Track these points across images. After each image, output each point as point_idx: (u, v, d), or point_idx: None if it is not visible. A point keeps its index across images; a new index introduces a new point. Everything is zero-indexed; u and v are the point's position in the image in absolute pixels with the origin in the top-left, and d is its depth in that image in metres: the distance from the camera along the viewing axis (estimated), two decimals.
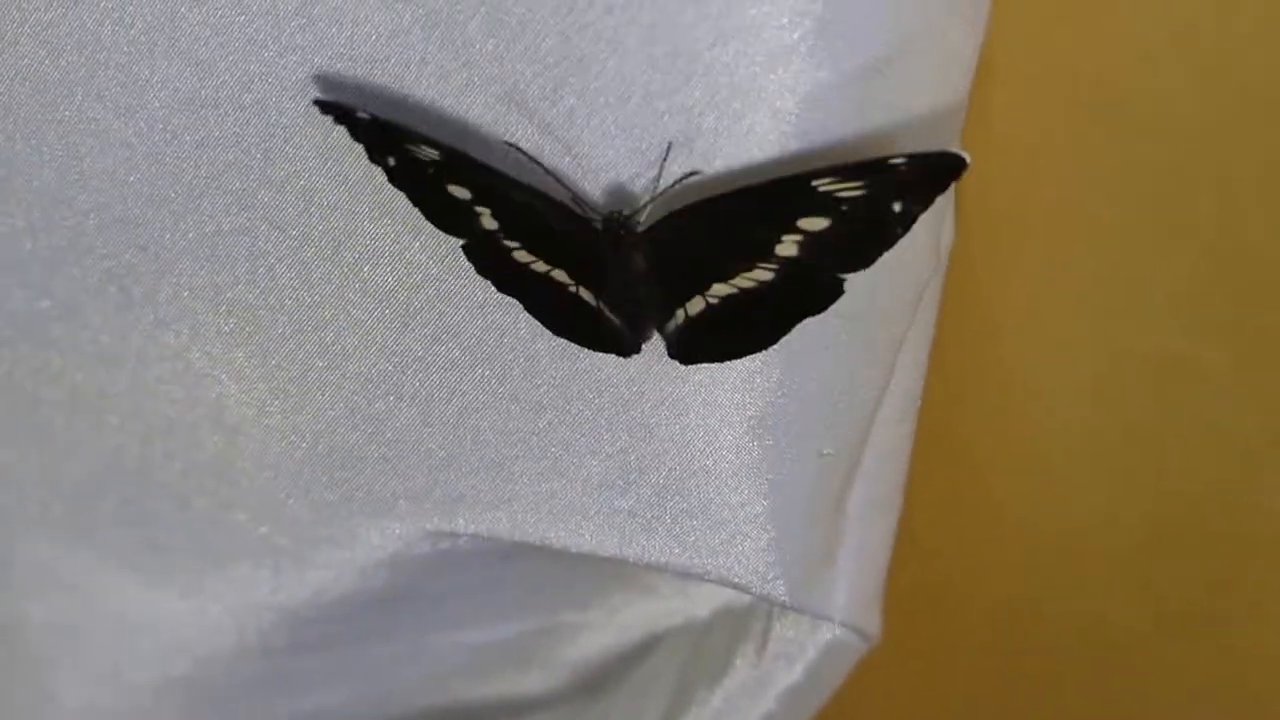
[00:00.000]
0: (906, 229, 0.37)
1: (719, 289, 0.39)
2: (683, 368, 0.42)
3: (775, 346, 0.41)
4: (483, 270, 0.41)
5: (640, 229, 0.39)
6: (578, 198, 0.40)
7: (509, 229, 0.40)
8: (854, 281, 0.40)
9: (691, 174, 0.39)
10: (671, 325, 0.41)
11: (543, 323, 0.42)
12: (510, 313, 0.42)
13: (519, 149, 0.40)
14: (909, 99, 0.41)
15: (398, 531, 0.48)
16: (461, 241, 0.40)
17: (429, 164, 0.38)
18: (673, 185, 0.39)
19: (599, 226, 0.39)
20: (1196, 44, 0.44)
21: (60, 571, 0.51)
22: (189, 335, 0.45)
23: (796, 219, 0.38)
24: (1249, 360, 0.47)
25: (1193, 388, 0.49)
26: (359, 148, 0.40)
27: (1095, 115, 0.47)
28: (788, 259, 0.38)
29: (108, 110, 0.41)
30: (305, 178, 0.42)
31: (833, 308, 0.41)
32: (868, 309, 0.43)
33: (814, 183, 0.37)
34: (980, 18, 0.43)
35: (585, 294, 0.40)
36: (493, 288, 0.41)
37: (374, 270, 0.43)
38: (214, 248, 0.43)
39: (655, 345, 0.42)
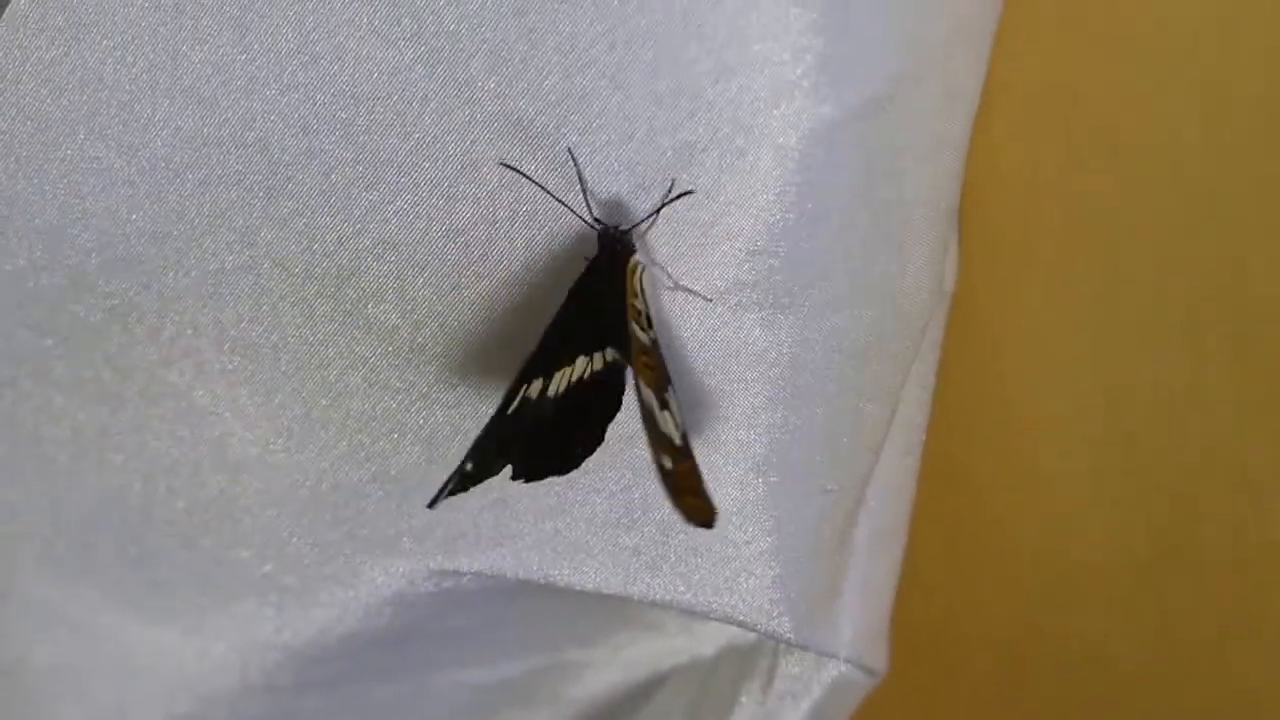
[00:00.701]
0: None
1: None
2: (688, 408, 0.42)
3: (780, 383, 0.42)
4: (514, 455, 0.40)
5: (635, 243, 0.39)
6: (576, 213, 0.39)
7: (550, 370, 0.39)
8: (858, 319, 0.40)
9: (687, 192, 0.39)
10: None
11: (547, 472, 0.41)
12: (515, 351, 0.42)
13: (517, 169, 0.39)
14: (912, 132, 0.41)
15: (401, 570, 0.47)
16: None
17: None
18: (666, 203, 0.39)
19: (597, 246, 0.39)
20: (1199, 69, 0.44)
21: (62, 610, 0.50)
22: (192, 374, 0.45)
23: None
24: (1253, 389, 0.46)
25: (1197, 416, 0.48)
26: (362, 186, 0.40)
27: (1098, 143, 0.46)
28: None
29: (110, 149, 0.41)
30: (308, 215, 0.42)
31: (837, 344, 0.41)
32: (872, 345, 0.43)
33: None
34: (984, 50, 0.43)
35: (597, 359, 0.40)
36: (497, 326, 0.42)
37: (377, 307, 0.43)
38: (217, 286, 0.43)
39: None
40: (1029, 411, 0.52)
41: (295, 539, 0.47)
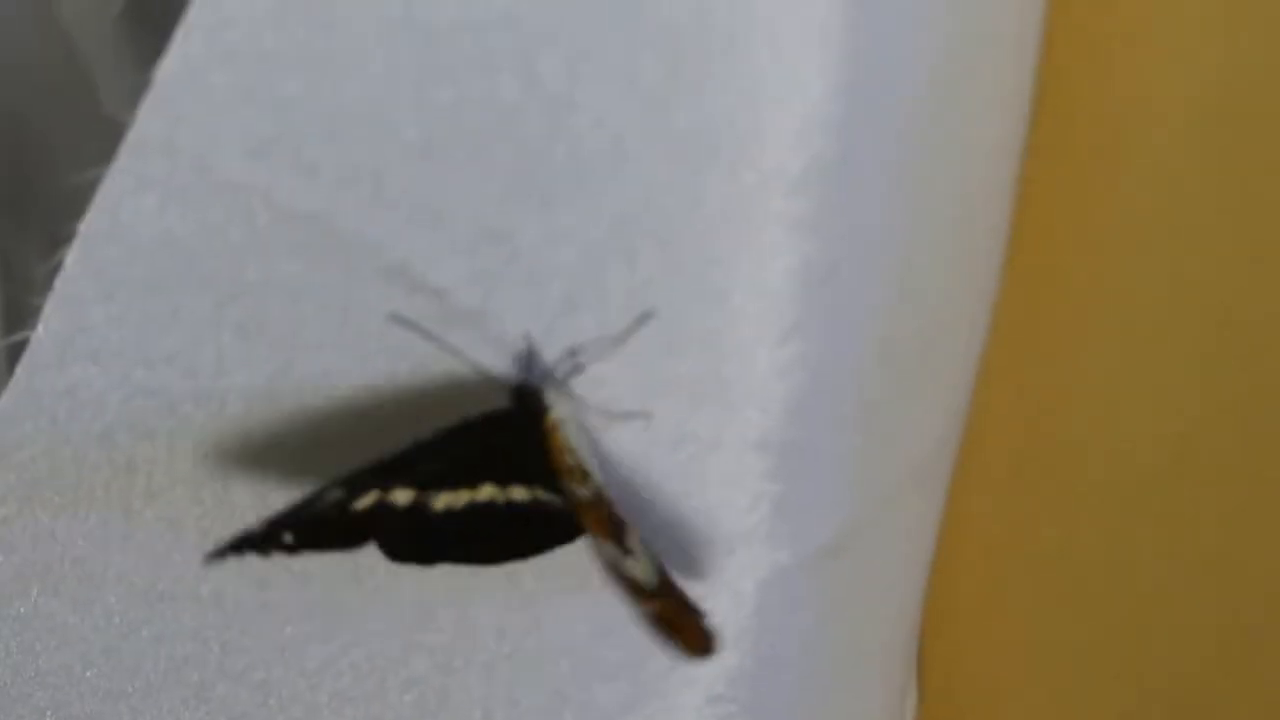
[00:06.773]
0: None
1: None
2: None
3: None
4: (403, 552, 0.35)
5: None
6: (485, 373, 0.34)
7: (428, 485, 0.34)
8: None
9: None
10: None
11: (485, 562, 0.36)
12: None
13: (412, 324, 0.34)
14: (869, 576, 0.39)
15: None
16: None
17: (333, 506, 0.33)
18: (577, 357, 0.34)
19: (509, 403, 0.34)
20: (1171, 420, 0.43)
21: None
22: None
23: None
24: None
25: None
26: (317, 639, 0.38)
27: (1077, 513, 0.45)
28: None
29: (64, 605, 0.39)
30: (263, 670, 0.39)
31: None
32: None
33: None
34: (939, 490, 0.41)
35: (518, 492, 0.35)
36: None
37: None
38: None
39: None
40: None
41: None
